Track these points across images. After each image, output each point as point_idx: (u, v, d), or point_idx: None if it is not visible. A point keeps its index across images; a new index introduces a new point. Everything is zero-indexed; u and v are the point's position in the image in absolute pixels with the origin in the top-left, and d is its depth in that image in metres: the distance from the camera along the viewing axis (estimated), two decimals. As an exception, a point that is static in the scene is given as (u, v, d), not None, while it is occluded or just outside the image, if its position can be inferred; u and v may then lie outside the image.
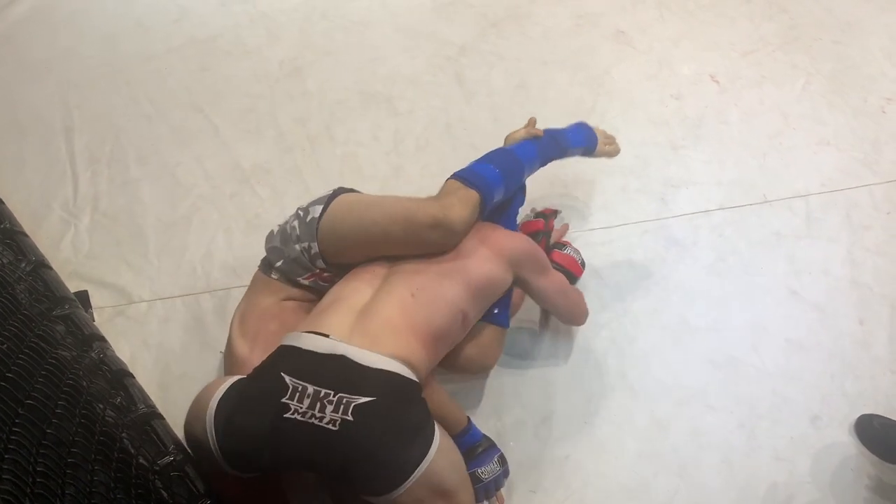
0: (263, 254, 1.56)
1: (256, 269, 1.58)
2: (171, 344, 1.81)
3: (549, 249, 1.80)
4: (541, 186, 2.00)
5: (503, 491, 1.54)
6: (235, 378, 1.31)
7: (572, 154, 1.70)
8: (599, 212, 1.99)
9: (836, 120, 2.17)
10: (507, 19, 2.43)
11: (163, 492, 1.39)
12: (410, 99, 2.25)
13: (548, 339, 1.78)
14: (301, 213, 1.50)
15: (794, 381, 1.71)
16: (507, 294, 1.55)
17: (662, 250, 1.92)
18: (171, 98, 2.28)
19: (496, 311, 1.55)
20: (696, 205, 2.00)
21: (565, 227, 1.92)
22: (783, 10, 2.45)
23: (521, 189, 1.68)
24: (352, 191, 1.56)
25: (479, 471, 1.48)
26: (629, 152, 2.09)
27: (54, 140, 2.19)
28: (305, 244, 1.47)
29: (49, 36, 2.45)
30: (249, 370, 1.32)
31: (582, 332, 1.78)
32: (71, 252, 1.97)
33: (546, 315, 1.80)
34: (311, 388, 1.20)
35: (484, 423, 1.65)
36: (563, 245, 1.81)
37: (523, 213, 1.87)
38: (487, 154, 1.56)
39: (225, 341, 1.54)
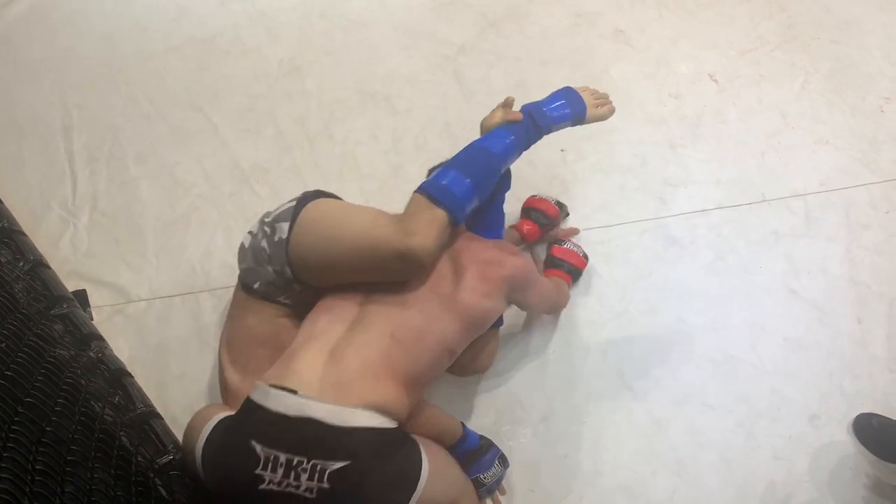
0: None
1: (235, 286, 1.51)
2: (170, 343, 1.81)
3: (549, 243, 1.80)
4: (540, 186, 2.00)
5: (504, 483, 1.56)
6: (221, 416, 1.31)
7: (559, 129, 1.54)
8: (598, 211, 1.99)
9: (834, 119, 2.17)
10: (506, 19, 2.43)
11: (161, 490, 1.39)
12: (409, 98, 2.25)
13: (547, 338, 1.78)
14: (268, 229, 1.42)
15: (792, 380, 1.71)
16: None
17: (661, 249, 1.92)
18: (169, 97, 2.28)
19: None
20: (695, 204, 2.01)
21: (573, 230, 1.91)
22: (782, 9, 2.45)
23: (507, 175, 1.57)
24: (317, 193, 1.47)
25: (481, 476, 1.48)
26: (627, 151, 2.10)
27: (53, 139, 2.19)
28: (278, 267, 1.40)
29: (47, 36, 2.45)
30: (243, 398, 1.30)
31: (581, 332, 1.79)
32: (69, 251, 1.97)
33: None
34: (283, 457, 1.17)
35: (483, 423, 1.65)
36: (562, 241, 1.81)
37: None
38: (459, 156, 1.44)
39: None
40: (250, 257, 1.44)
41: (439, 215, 1.33)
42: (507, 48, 2.36)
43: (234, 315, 1.50)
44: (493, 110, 1.52)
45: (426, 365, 1.32)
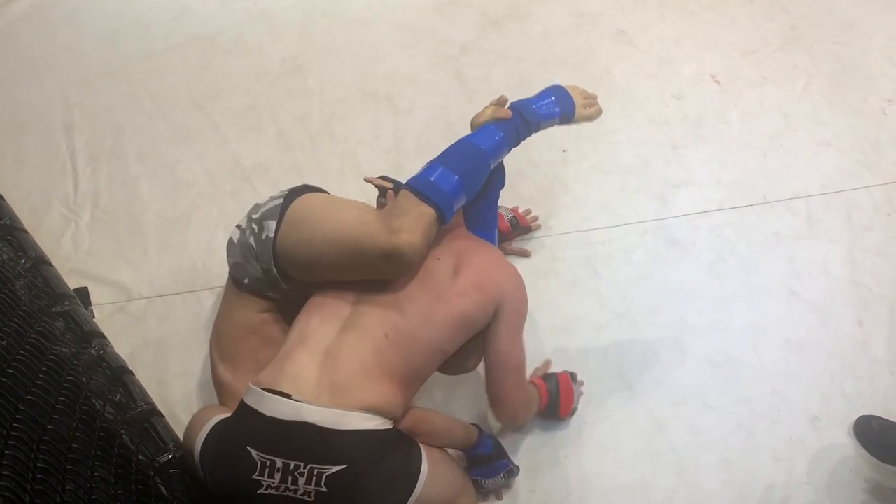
0: None
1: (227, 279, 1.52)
2: (171, 341, 1.81)
3: (563, 371, 1.67)
4: (540, 186, 2.00)
5: (502, 490, 1.56)
6: (217, 419, 1.31)
7: (547, 127, 1.51)
8: (599, 211, 1.99)
9: (836, 121, 2.17)
10: (508, 18, 2.43)
11: (162, 488, 1.39)
12: (411, 97, 2.25)
13: (546, 339, 1.78)
14: (255, 226, 1.41)
15: (793, 382, 1.71)
16: None
17: (662, 250, 1.92)
18: (171, 96, 2.28)
19: None
20: (696, 205, 2.00)
21: (524, 251, 1.87)
22: (784, 11, 2.45)
23: (500, 170, 1.54)
24: (305, 188, 1.47)
25: (482, 481, 1.48)
26: (629, 151, 2.10)
27: (54, 137, 2.19)
28: (266, 265, 1.39)
29: (49, 33, 2.45)
30: (237, 394, 1.30)
31: (581, 332, 1.78)
32: (71, 249, 1.97)
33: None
34: (279, 462, 1.17)
35: (482, 423, 1.65)
36: (575, 379, 1.66)
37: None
38: (447, 152, 1.41)
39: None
40: (238, 253, 1.44)
41: (426, 212, 1.29)
42: (508, 48, 2.36)
43: (223, 308, 1.51)
44: (484, 107, 1.50)
45: (420, 365, 1.31)
